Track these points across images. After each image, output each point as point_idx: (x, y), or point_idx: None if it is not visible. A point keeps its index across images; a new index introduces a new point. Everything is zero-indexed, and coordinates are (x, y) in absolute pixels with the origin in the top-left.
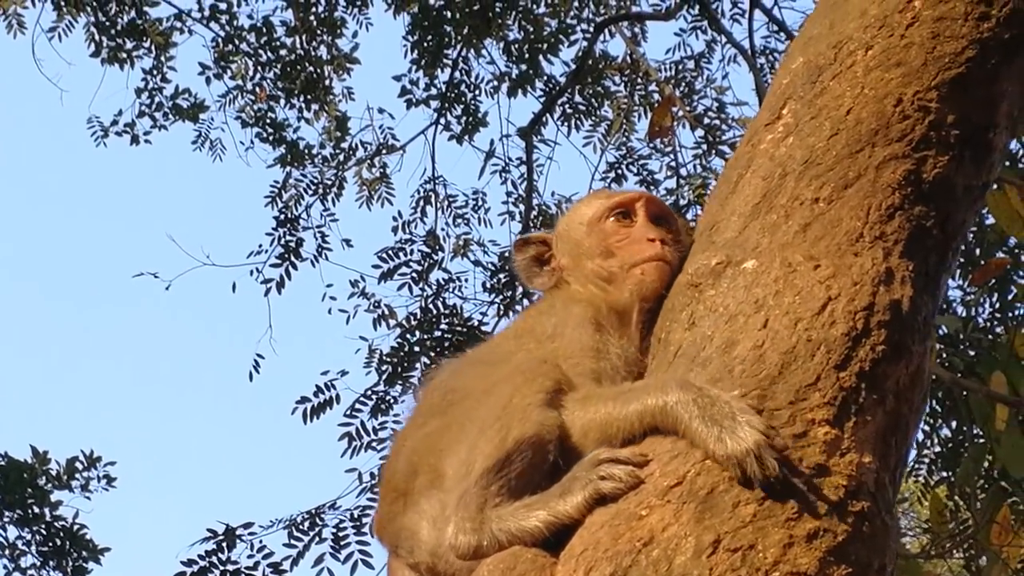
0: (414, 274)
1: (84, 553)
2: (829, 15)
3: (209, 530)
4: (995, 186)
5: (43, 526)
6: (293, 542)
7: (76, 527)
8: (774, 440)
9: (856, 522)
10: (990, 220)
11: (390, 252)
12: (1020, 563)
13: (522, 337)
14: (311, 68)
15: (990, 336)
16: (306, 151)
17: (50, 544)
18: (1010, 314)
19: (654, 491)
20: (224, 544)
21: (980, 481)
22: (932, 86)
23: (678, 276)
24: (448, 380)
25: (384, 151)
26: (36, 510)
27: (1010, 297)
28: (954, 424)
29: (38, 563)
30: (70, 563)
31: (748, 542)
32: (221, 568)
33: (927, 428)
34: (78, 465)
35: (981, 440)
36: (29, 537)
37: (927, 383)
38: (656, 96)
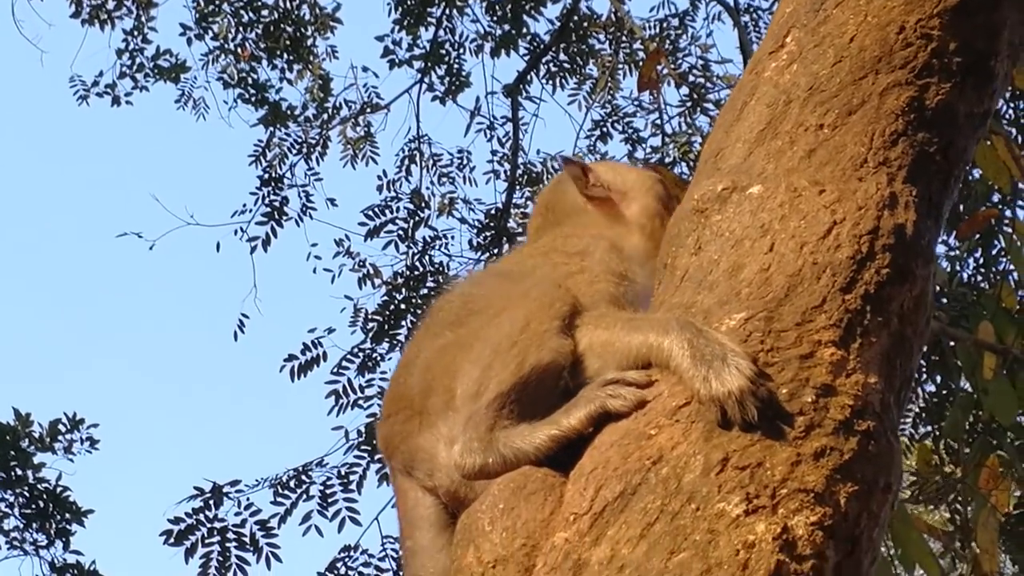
0: (400, 231)
1: (67, 515)
2: None
3: (196, 488)
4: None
5: (26, 488)
6: (280, 500)
7: (59, 489)
8: (759, 389)
9: (862, 441)
10: (974, 178)
11: (376, 209)
12: (1004, 517)
13: (550, 253)
14: (293, 28)
15: (975, 293)
16: (288, 112)
17: (33, 506)
18: (995, 269)
19: (663, 411)
20: (211, 502)
21: (966, 435)
22: (934, 13)
23: (682, 203)
24: (468, 290)
25: (368, 110)
26: (19, 472)
27: (994, 252)
28: (939, 379)
29: (21, 525)
30: (53, 525)
31: (756, 460)
32: (208, 525)
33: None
34: (61, 427)
35: (967, 392)
36: (12, 499)
37: (931, 307)
38: (641, 54)
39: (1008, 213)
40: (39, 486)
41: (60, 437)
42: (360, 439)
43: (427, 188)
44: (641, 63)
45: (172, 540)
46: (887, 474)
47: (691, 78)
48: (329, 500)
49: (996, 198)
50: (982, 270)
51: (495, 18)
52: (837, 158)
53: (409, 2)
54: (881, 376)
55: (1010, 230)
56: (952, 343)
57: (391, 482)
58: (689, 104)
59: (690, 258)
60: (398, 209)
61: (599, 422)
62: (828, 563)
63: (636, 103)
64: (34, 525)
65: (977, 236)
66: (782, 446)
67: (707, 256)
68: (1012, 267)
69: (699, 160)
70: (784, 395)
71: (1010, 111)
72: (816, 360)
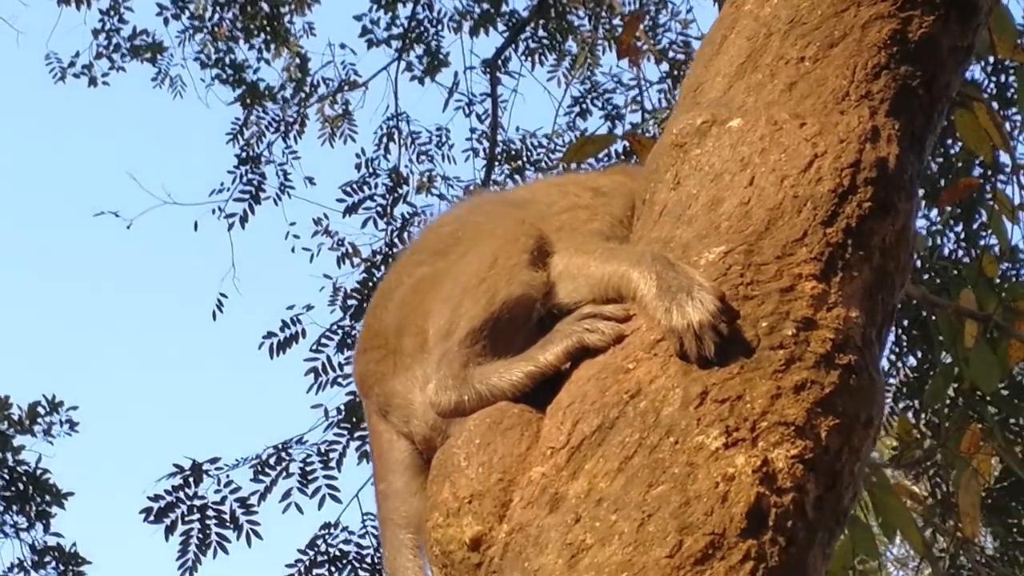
0: (379, 208)
1: (47, 497)
2: None
3: (176, 465)
4: (963, 106)
5: (5, 471)
6: (260, 477)
7: (39, 472)
8: (719, 324)
9: (843, 375)
10: (955, 153)
11: (354, 186)
12: (985, 491)
13: (568, 185)
14: (270, 6)
15: (956, 270)
16: (266, 92)
17: (13, 489)
18: (976, 244)
19: (641, 345)
20: (191, 479)
21: (947, 406)
22: None
23: (661, 138)
24: (465, 215)
25: (346, 88)
26: None
27: (975, 226)
28: (919, 353)
29: (1, 508)
30: (33, 508)
31: (735, 393)
32: (188, 503)
33: (892, 356)
34: (40, 410)
35: (949, 362)
36: None
37: (912, 242)
38: (620, 30)
39: (989, 188)
40: (18, 468)
41: (39, 420)
42: (340, 416)
43: (406, 166)
44: (622, 29)
45: (152, 517)
46: (869, 408)
47: (671, 54)
48: (309, 477)
49: (977, 172)
50: (963, 244)
51: None
52: (818, 91)
53: None
54: (863, 310)
55: (991, 201)
56: (933, 315)
57: (365, 420)
58: (669, 80)
59: (669, 193)
60: (376, 186)
61: (576, 357)
62: (808, 496)
63: (615, 79)
64: (14, 508)
65: (959, 210)
66: (762, 379)
67: (686, 190)
68: (993, 240)
69: (679, 95)
70: (764, 328)
71: (991, 85)
72: (797, 293)
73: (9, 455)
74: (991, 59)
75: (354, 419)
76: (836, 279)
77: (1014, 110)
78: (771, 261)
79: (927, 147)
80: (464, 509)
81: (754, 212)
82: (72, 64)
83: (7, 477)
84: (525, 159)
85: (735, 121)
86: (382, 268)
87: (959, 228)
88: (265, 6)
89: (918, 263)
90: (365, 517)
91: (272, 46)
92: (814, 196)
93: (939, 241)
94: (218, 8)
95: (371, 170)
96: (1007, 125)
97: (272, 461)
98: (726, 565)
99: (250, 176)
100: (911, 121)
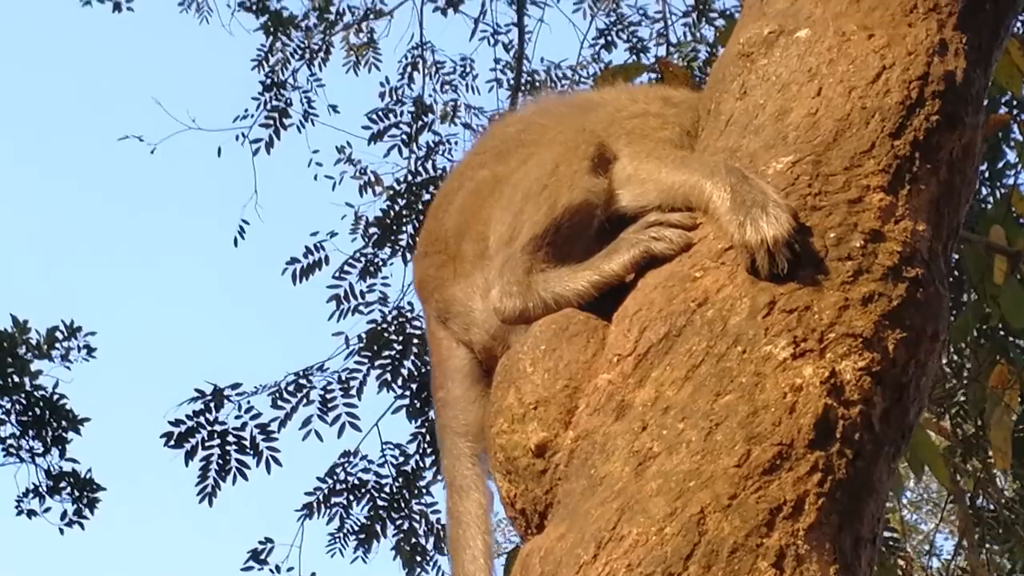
0: (404, 136)
1: (64, 423)
2: None
3: (197, 390)
4: None
5: (23, 396)
6: (281, 404)
7: (56, 397)
8: (794, 242)
9: (910, 288)
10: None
11: (379, 113)
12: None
13: (637, 94)
14: None
15: (983, 206)
16: (289, 20)
17: (30, 414)
18: (1000, 183)
19: (708, 253)
20: (211, 404)
21: (972, 342)
22: None
23: (727, 47)
24: (532, 118)
25: (371, 16)
26: (15, 379)
27: (1000, 165)
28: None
29: (17, 432)
30: (50, 433)
31: (803, 303)
32: (208, 428)
33: None
34: (58, 335)
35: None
36: (8, 406)
37: (978, 157)
38: None
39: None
40: (35, 393)
41: (57, 344)
42: (360, 344)
43: (430, 95)
44: None
45: (172, 442)
46: (935, 322)
47: None
48: (329, 405)
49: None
50: (987, 183)
51: None
52: (886, 3)
53: None
54: (930, 224)
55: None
56: (961, 250)
57: (425, 326)
58: (694, 13)
59: (735, 103)
60: (402, 113)
61: (641, 267)
62: (876, 409)
63: (641, 12)
64: (30, 432)
65: (984, 148)
66: (830, 290)
67: (753, 100)
68: (1021, 179)
69: (744, 3)
70: (832, 239)
71: (1019, 25)
72: (865, 205)
73: (26, 380)
74: None
75: (375, 347)
76: (904, 192)
77: None
78: (839, 172)
79: (993, 62)
80: (529, 415)
81: (822, 123)
82: None
83: (24, 402)
84: (550, 90)
85: (803, 31)
86: (405, 197)
87: (983, 167)
88: None
89: None
90: (384, 446)
91: None
92: (882, 108)
93: None
94: None
95: (395, 98)
96: None
97: (292, 388)
98: (794, 476)
99: (274, 103)
100: (978, 34)
